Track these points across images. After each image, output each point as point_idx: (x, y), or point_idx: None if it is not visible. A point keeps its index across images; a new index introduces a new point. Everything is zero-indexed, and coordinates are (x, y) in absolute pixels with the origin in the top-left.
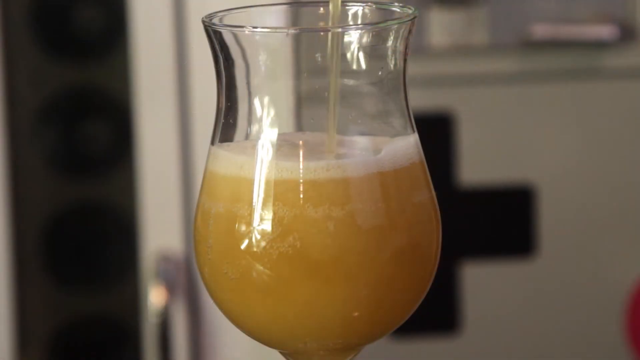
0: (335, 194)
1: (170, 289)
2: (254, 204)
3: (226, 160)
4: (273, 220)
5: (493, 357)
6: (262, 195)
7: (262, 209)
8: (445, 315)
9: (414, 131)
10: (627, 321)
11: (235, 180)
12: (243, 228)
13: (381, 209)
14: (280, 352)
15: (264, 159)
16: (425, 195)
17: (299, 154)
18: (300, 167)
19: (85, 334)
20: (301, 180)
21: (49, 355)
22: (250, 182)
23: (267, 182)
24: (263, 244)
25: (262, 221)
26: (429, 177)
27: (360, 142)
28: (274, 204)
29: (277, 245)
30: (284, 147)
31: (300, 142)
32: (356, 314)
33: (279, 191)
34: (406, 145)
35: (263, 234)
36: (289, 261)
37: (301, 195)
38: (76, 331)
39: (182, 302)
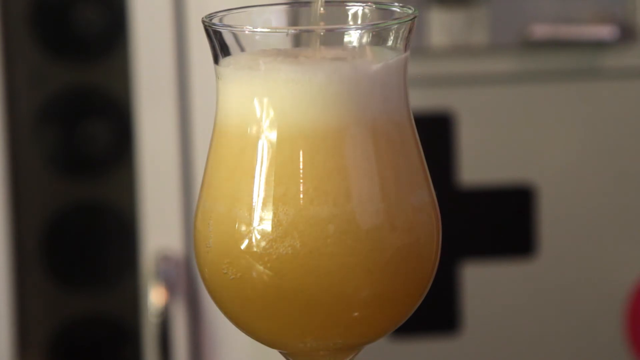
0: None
1: (170, 289)
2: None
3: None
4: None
5: (493, 357)
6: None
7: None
8: (445, 315)
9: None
10: (627, 321)
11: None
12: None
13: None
14: (280, 352)
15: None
16: (425, 194)
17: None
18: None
19: (85, 334)
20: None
21: (49, 355)
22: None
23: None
24: (263, 244)
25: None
26: (429, 177)
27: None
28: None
29: (277, 246)
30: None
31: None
32: (356, 314)
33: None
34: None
35: (263, 234)
36: (289, 261)
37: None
38: (76, 331)
39: (182, 302)
